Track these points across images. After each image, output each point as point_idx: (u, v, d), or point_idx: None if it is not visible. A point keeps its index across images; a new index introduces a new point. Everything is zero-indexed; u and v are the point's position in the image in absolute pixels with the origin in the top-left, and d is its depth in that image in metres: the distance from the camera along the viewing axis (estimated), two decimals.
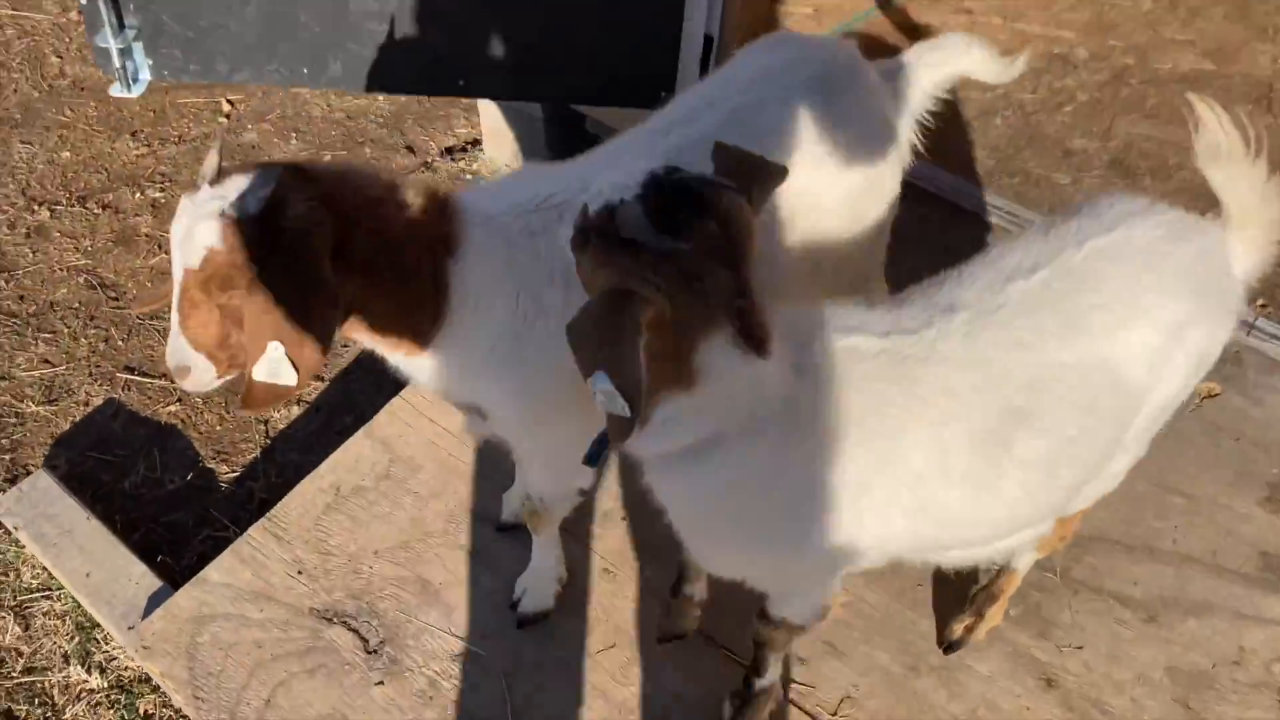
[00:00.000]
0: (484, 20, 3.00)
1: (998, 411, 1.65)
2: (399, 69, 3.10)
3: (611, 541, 2.59)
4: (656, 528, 2.53)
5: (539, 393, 1.99)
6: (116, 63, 2.88)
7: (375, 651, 2.41)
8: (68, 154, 4.21)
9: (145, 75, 3.13)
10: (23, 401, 3.21)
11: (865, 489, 1.65)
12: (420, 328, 1.86)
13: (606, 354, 1.31)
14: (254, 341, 1.67)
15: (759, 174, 1.51)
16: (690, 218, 1.38)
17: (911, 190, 2.27)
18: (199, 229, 1.63)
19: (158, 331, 3.42)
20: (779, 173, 1.54)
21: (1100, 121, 3.47)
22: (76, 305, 3.54)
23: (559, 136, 3.96)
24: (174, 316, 1.71)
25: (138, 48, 2.93)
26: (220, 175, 1.69)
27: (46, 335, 3.44)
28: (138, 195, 4.04)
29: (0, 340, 3.40)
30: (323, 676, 2.37)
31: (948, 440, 1.65)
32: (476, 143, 4.35)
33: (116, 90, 3.08)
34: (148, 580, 2.61)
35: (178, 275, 1.67)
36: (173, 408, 3.24)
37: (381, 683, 2.36)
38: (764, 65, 2.11)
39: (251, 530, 2.63)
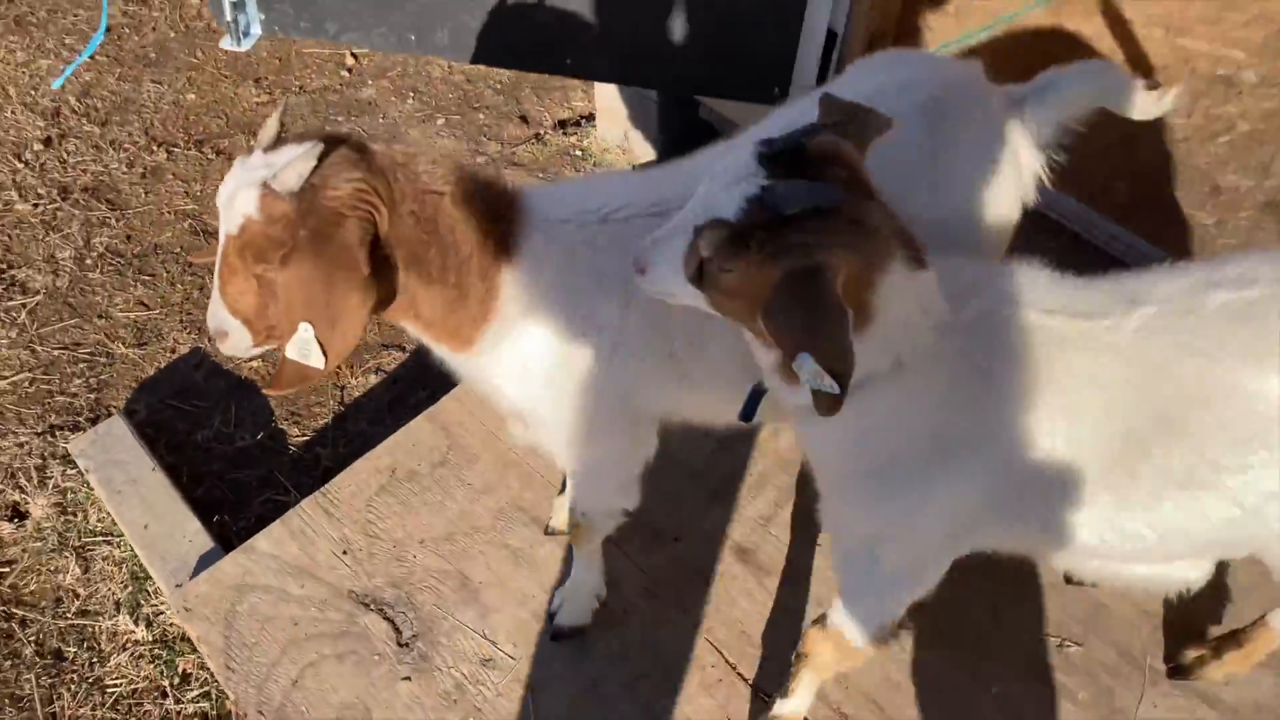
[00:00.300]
0: (592, 2, 2.88)
1: (1146, 415, 1.53)
2: (505, 43, 3.01)
3: (660, 563, 2.48)
4: (707, 555, 2.44)
5: (582, 410, 1.90)
6: (229, 15, 2.88)
7: (407, 645, 2.37)
8: (193, 96, 4.28)
9: (256, 30, 3.13)
10: (114, 342, 3.28)
11: (977, 453, 1.58)
12: (466, 326, 1.79)
13: (809, 337, 1.31)
14: (286, 318, 1.63)
15: (864, 123, 1.48)
16: (818, 169, 1.37)
17: (1029, 214, 2.06)
18: (240, 195, 1.58)
19: None
20: (884, 123, 1.49)
21: (1260, 156, 3.13)
22: (177, 250, 3.60)
23: (671, 120, 3.82)
24: (215, 279, 1.67)
25: (250, 2, 2.93)
26: (278, 141, 1.63)
27: (146, 278, 3.50)
28: (252, 143, 4.06)
29: (103, 279, 3.47)
30: (352, 663, 2.34)
31: (1078, 432, 1.55)
32: (590, 118, 4.24)
33: (227, 43, 3.08)
34: (201, 539, 2.63)
35: (221, 238, 1.64)
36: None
37: (409, 678, 2.31)
38: (876, 84, 1.93)
39: (305, 503, 2.61)
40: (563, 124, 4.27)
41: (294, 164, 1.54)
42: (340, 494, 2.62)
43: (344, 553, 2.52)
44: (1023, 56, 3.53)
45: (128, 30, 4.61)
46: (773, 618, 2.35)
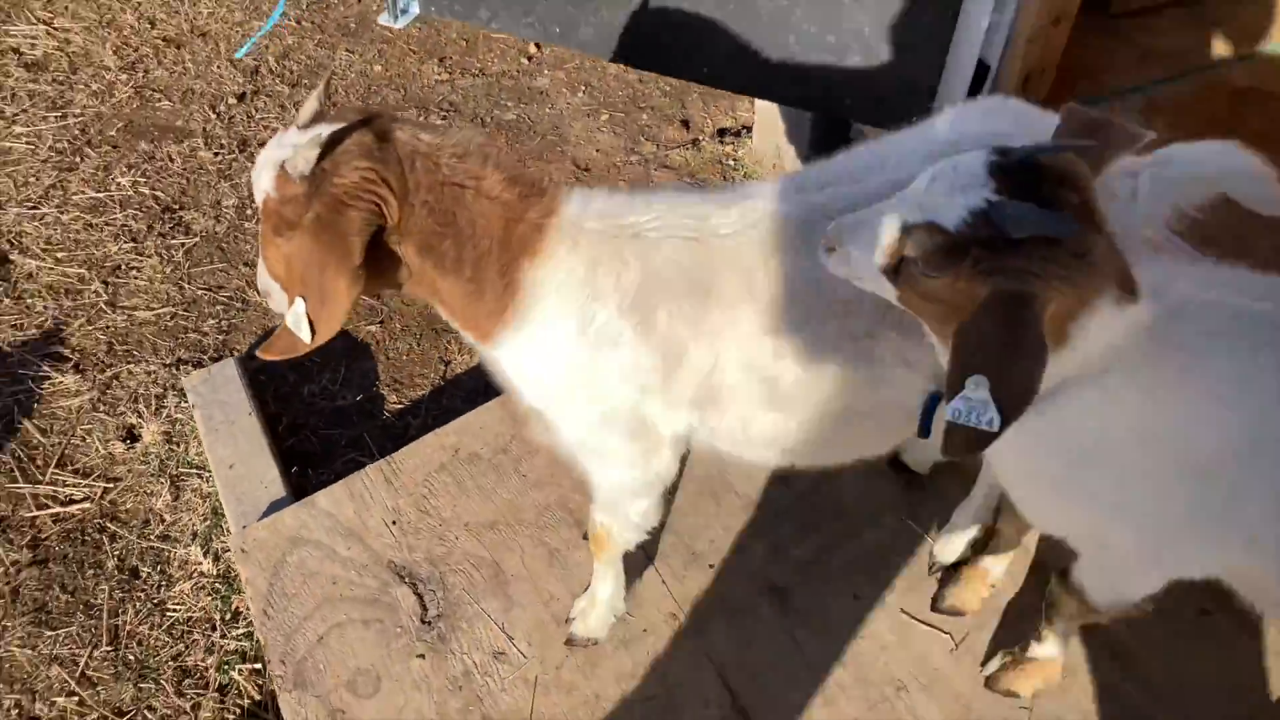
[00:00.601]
0: (734, 13, 2.82)
1: None
2: (644, 44, 2.99)
3: (691, 588, 2.41)
4: (739, 589, 2.35)
5: (595, 422, 1.87)
6: None
7: (429, 623, 2.40)
8: (379, 68, 4.49)
9: (414, 9, 3.24)
10: (251, 289, 3.49)
11: (1156, 455, 1.49)
12: (484, 319, 1.80)
13: (997, 366, 1.27)
14: (289, 290, 1.69)
15: (1110, 138, 1.38)
16: (1052, 191, 1.30)
17: None
18: (264, 172, 1.65)
19: None
20: (1133, 137, 1.39)
21: None
22: (477, 129, 3.79)
23: (824, 136, 3.70)
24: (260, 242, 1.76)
25: None
26: (316, 119, 1.68)
27: None
28: (422, 118, 4.23)
29: (256, 229, 3.70)
30: (375, 631, 2.40)
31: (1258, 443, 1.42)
32: (750, 129, 4.17)
33: (384, 19, 3.21)
34: (275, 487, 2.75)
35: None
36: (373, 328, 3.39)
37: (423, 656, 2.35)
38: (966, 133, 1.80)
39: (369, 468, 2.70)
40: (722, 132, 4.22)
41: (302, 150, 1.58)
42: (404, 465, 2.69)
43: (393, 523, 2.58)
44: (1207, 115, 3.21)
45: (336, 0, 4.89)
46: (791, 668, 2.24)
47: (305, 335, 1.67)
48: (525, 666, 2.32)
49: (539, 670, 2.31)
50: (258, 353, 1.74)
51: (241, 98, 4.29)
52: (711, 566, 2.44)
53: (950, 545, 2.34)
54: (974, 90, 2.79)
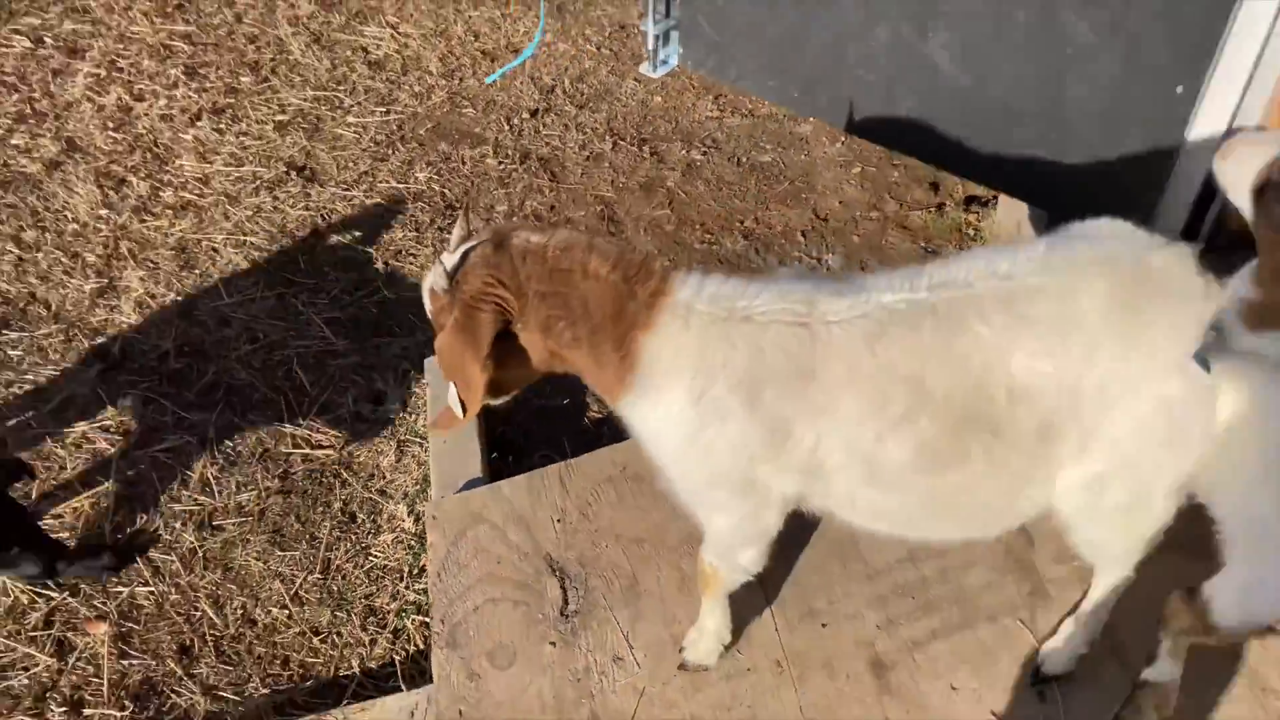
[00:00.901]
0: (961, 104, 2.91)
1: None
2: (876, 119, 3.13)
3: (799, 642, 2.56)
4: (844, 653, 2.48)
5: (705, 482, 2.10)
6: (650, 44, 3.30)
7: (566, 616, 2.71)
8: (659, 100, 4.85)
9: (672, 62, 3.54)
10: None
11: None
12: (607, 386, 2.05)
13: None
14: (447, 377, 2.08)
15: None
16: None
17: None
18: (425, 290, 2.08)
19: None
20: None
21: None
22: (582, 230, 4.19)
23: (1058, 223, 3.67)
24: None
25: (674, 36, 3.31)
26: (463, 241, 2.02)
27: None
28: (683, 153, 4.55)
29: None
30: (521, 612, 2.73)
31: None
32: (998, 199, 4.17)
33: (644, 68, 3.53)
34: (474, 468, 3.16)
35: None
36: None
37: (554, 644, 2.66)
38: (1072, 249, 1.88)
39: (550, 468, 3.03)
40: (970, 200, 4.24)
41: (438, 275, 1.98)
42: (578, 470, 3.01)
43: (558, 520, 2.91)
44: None
45: (635, 30, 5.31)
46: None
47: (459, 411, 2.05)
48: (637, 676, 2.57)
49: (648, 682, 2.55)
50: (426, 425, 2.14)
51: (534, 113, 4.78)
52: (824, 625, 2.58)
53: (1057, 657, 2.36)
54: (1200, 209, 2.73)
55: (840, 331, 1.87)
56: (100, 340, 3.79)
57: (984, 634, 2.51)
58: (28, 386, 3.63)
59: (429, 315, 2.07)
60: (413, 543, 3.12)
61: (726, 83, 3.51)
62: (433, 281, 2.01)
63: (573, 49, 5.11)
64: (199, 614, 3.00)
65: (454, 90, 4.92)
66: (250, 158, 4.57)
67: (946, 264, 1.92)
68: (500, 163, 4.50)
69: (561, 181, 4.41)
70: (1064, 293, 1.80)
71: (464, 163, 4.51)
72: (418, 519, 3.18)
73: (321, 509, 3.25)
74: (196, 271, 4.05)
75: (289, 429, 3.47)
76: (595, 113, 4.76)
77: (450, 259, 1.98)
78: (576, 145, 4.58)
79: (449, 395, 2.06)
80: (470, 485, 3.09)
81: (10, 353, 3.75)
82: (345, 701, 2.74)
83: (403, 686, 2.74)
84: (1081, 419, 1.83)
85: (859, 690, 2.45)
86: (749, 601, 2.62)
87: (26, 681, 2.86)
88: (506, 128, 4.70)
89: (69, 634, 2.96)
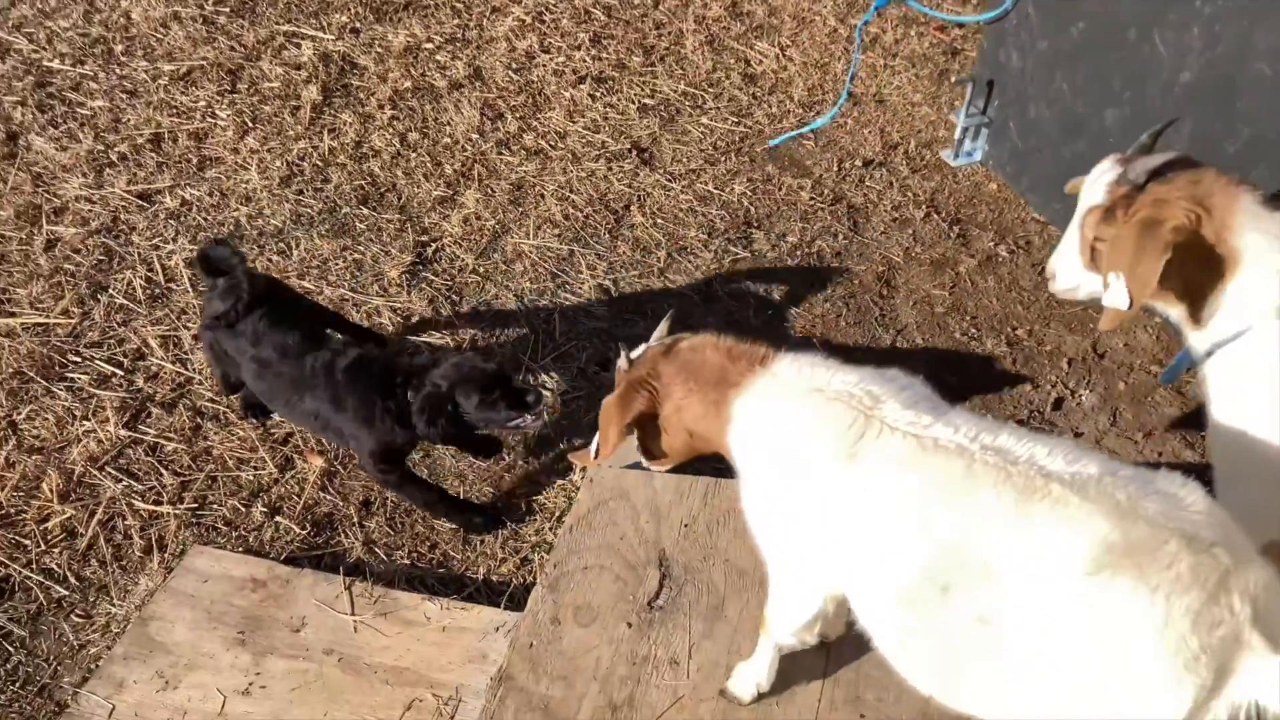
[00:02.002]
0: None
1: None
2: None
3: (839, 718, 2.64)
4: None
5: (759, 535, 2.30)
6: (958, 134, 3.33)
7: (651, 606, 2.95)
8: (993, 187, 4.82)
9: (976, 156, 3.55)
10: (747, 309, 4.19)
11: None
12: (720, 444, 2.34)
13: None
14: (600, 426, 2.54)
15: None
16: None
17: None
18: (616, 368, 2.54)
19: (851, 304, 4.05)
20: None
21: None
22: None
23: None
24: None
25: (983, 134, 3.31)
26: (660, 338, 2.53)
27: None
28: (990, 244, 4.52)
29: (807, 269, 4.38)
30: (618, 587, 3.01)
31: None
32: None
33: (945, 154, 3.59)
34: None
35: None
36: None
37: (630, 625, 2.91)
38: (1142, 493, 1.82)
39: (701, 479, 3.26)
40: None
41: (623, 360, 2.50)
42: (722, 491, 3.22)
43: (685, 525, 3.14)
44: None
45: None
46: None
47: (593, 454, 2.58)
48: (681, 683, 2.77)
49: (688, 692, 2.75)
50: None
51: (868, 164, 4.93)
52: (862, 716, 2.64)
53: None
54: None
55: (888, 437, 1.99)
56: (423, 238, 4.46)
57: None
58: (356, 256, 4.37)
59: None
60: (571, 495, 3.48)
61: (1018, 191, 3.49)
62: (620, 363, 2.50)
63: (934, 115, 5.17)
64: None
65: (805, 121, 5.17)
66: (606, 128, 5.10)
67: (1022, 436, 1.95)
68: (812, 198, 4.71)
69: (859, 233, 4.55)
70: (1071, 520, 1.78)
71: (780, 188, 4.76)
72: (582, 476, 3.52)
73: (519, 439, 3.69)
74: (519, 209, 4.63)
75: (527, 362, 3.94)
76: (926, 180, 4.82)
77: (637, 351, 2.50)
78: (890, 204, 4.69)
79: (594, 440, 2.56)
80: (634, 466, 3.38)
81: (358, 225, 4.51)
82: (456, 596, 3.15)
83: (502, 606, 3.11)
84: (1022, 636, 1.83)
85: None
86: (809, 665, 2.73)
87: (251, 478, 3.54)
88: (835, 169, 4.89)
89: (295, 455, 3.61)
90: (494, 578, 3.28)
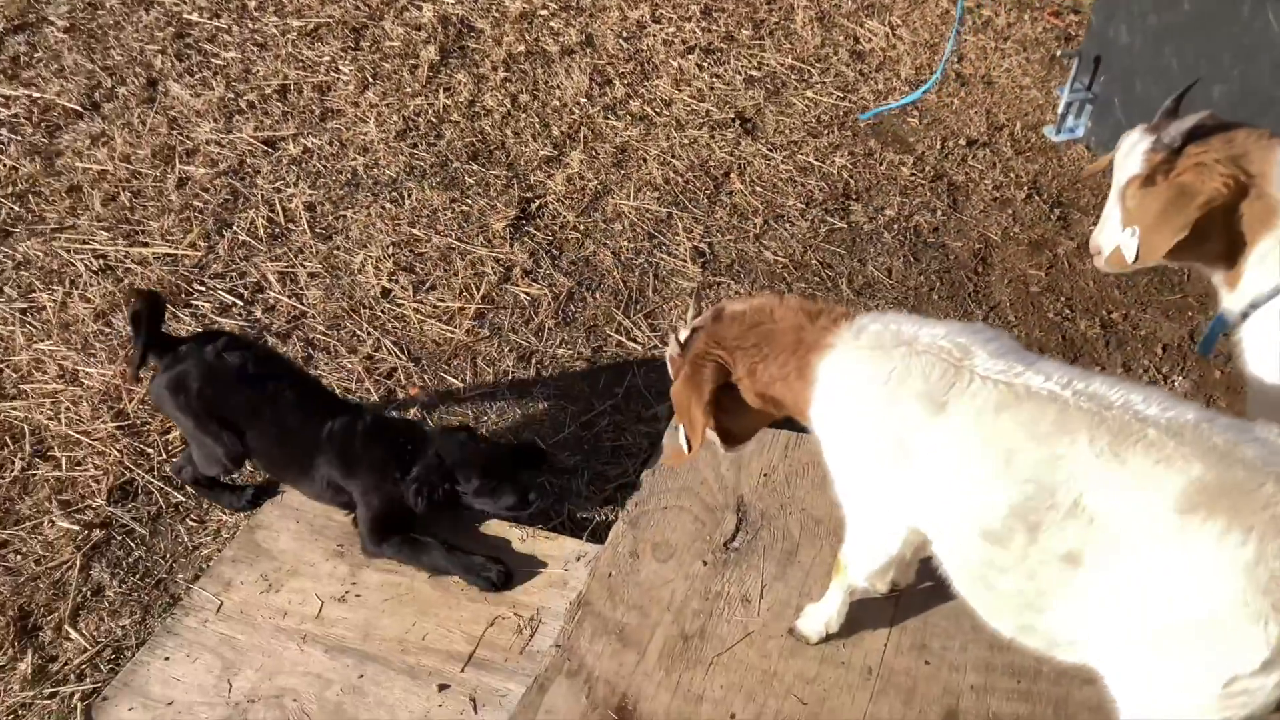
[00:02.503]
0: None
1: None
2: None
3: (901, 663, 2.71)
4: (933, 694, 2.60)
5: (845, 487, 2.38)
6: (1061, 109, 3.31)
7: (727, 548, 3.06)
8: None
9: (1078, 132, 3.54)
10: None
11: None
12: (799, 408, 2.35)
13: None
14: (678, 417, 2.51)
15: None
16: None
17: None
18: (667, 359, 2.52)
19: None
20: None
21: None
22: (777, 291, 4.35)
23: None
24: None
25: (1087, 110, 3.29)
26: (695, 318, 2.46)
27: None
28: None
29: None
30: (695, 527, 3.12)
31: None
32: None
33: (1047, 130, 3.58)
34: None
35: None
36: None
37: (705, 563, 3.03)
38: (1240, 437, 1.85)
39: (784, 433, 3.34)
40: None
41: (673, 344, 2.45)
42: (804, 445, 3.30)
43: (765, 474, 3.24)
44: None
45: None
46: None
47: (685, 449, 2.47)
48: (751, 620, 2.87)
49: (757, 629, 2.85)
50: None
51: (972, 143, 4.93)
52: (927, 663, 2.71)
53: None
54: None
55: (979, 385, 2.02)
56: (528, 195, 4.62)
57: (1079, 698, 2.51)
58: (464, 208, 4.55)
59: (671, 376, 2.51)
60: (657, 440, 3.60)
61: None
62: (671, 350, 2.47)
63: (1042, 99, 5.14)
64: (487, 418, 3.71)
65: (903, 95, 5.19)
66: (712, 98, 5.20)
67: (1115, 382, 1.97)
68: (912, 174, 4.73)
69: (958, 210, 4.57)
70: (1167, 461, 1.81)
71: (881, 163, 4.80)
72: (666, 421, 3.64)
73: (608, 387, 3.83)
74: (621, 171, 4.76)
75: (619, 316, 4.08)
76: (1029, 162, 4.80)
77: (684, 332, 2.44)
78: (991, 184, 4.69)
79: (679, 437, 2.51)
80: None
81: (467, 179, 4.70)
82: (541, 527, 3.30)
83: (584, 539, 3.25)
84: (1110, 574, 1.87)
85: None
86: (878, 612, 2.81)
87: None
88: (938, 146, 4.90)
89: (397, 388, 3.81)
90: (578, 513, 3.42)
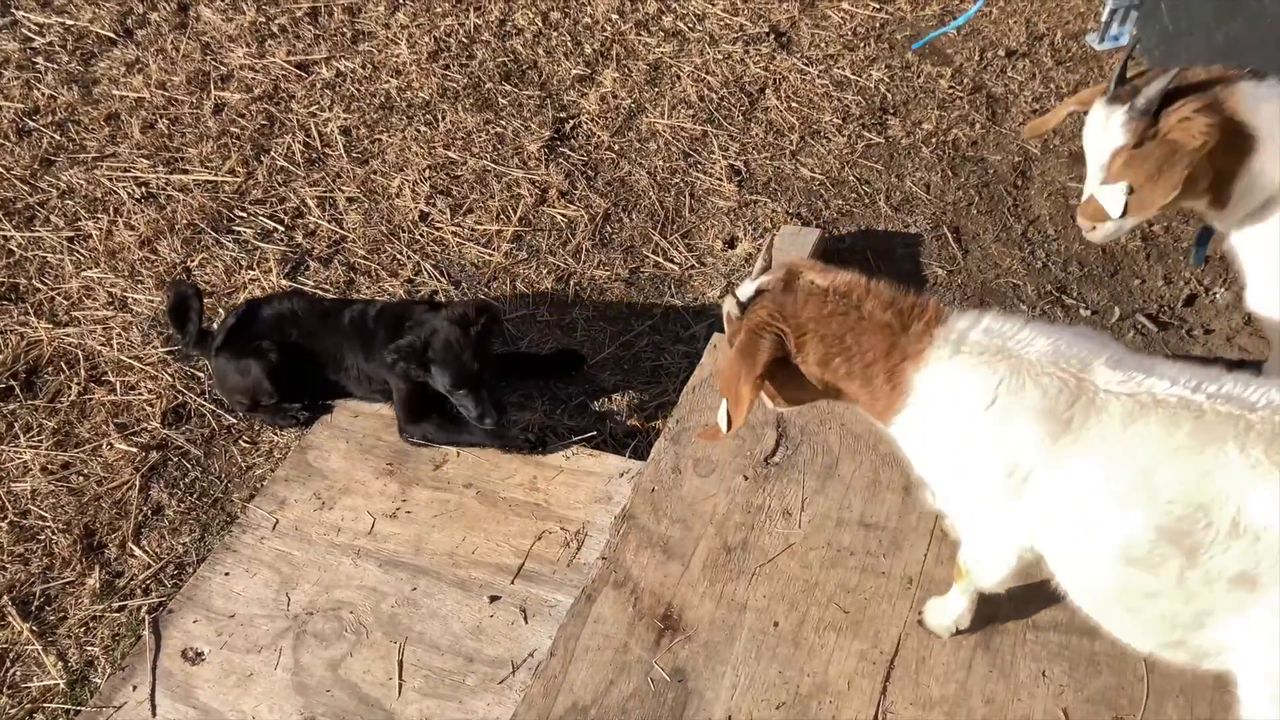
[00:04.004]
0: None
1: None
2: None
3: (940, 573, 2.77)
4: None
5: (960, 499, 2.25)
6: (1105, 16, 3.24)
7: (768, 463, 3.10)
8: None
9: (1123, 39, 3.46)
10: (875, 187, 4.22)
11: None
12: (878, 411, 2.19)
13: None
14: (723, 393, 2.31)
15: None
16: None
17: None
18: (724, 314, 2.31)
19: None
20: None
21: None
22: (860, 273, 4.31)
23: None
24: None
25: (1132, 17, 3.22)
26: (764, 271, 2.26)
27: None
28: None
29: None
30: (736, 443, 3.15)
31: None
32: None
33: (1090, 39, 3.51)
34: None
35: None
36: None
37: (747, 478, 3.08)
38: None
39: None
40: None
41: (732, 303, 2.22)
42: None
43: None
44: None
45: None
46: None
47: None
48: (793, 532, 2.93)
49: (798, 540, 2.91)
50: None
51: (1011, 54, 4.84)
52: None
53: None
54: None
55: (1103, 400, 1.89)
56: (562, 115, 4.61)
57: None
58: (498, 130, 4.55)
59: (725, 334, 2.31)
60: (696, 359, 3.63)
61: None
62: (729, 307, 2.24)
63: (1083, 5, 5.02)
64: (527, 339, 3.76)
65: (952, 12, 5.08)
66: (745, 10, 5.12)
67: (1247, 380, 1.85)
68: (951, 87, 4.66)
69: (998, 123, 4.51)
70: None
71: (919, 76, 4.73)
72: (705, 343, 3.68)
73: (646, 307, 3.86)
74: (655, 89, 4.72)
75: (656, 237, 4.09)
76: (1071, 73, 4.71)
77: (746, 290, 2.22)
78: (1031, 96, 4.61)
79: (719, 413, 2.34)
80: None
81: (500, 100, 4.68)
82: (587, 444, 3.36)
83: (627, 455, 3.32)
84: None
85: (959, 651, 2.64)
86: (918, 522, 2.86)
87: None
88: (977, 58, 4.82)
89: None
90: (619, 433, 3.48)
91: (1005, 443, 1.97)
